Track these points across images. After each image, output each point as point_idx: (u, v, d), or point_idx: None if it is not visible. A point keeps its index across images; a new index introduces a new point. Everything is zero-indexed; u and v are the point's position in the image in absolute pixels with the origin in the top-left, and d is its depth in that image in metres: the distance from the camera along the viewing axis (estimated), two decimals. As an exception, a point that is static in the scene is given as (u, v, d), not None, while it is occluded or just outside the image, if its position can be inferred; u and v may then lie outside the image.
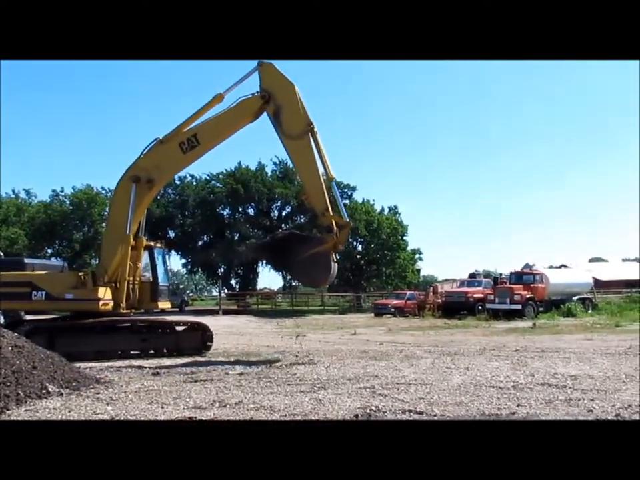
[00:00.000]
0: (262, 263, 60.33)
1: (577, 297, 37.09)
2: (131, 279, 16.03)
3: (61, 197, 59.27)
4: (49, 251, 58.48)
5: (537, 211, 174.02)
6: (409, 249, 59.06)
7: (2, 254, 24.16)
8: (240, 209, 58.63)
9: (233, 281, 64.83)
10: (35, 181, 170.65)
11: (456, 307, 37.71)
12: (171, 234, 57.77)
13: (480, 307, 36.35)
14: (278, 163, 57.77)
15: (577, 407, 7.95)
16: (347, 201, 53.94)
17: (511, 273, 38.34)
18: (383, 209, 57.89)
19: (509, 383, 10.02)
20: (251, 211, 58.90)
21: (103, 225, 52.27)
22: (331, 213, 14.53)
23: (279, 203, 58.87)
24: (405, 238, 57.56)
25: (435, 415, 7.60)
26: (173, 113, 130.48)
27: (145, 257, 16.71)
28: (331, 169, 14.95)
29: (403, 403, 8.37)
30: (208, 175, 57.98)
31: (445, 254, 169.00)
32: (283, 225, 57.41)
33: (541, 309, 34.36)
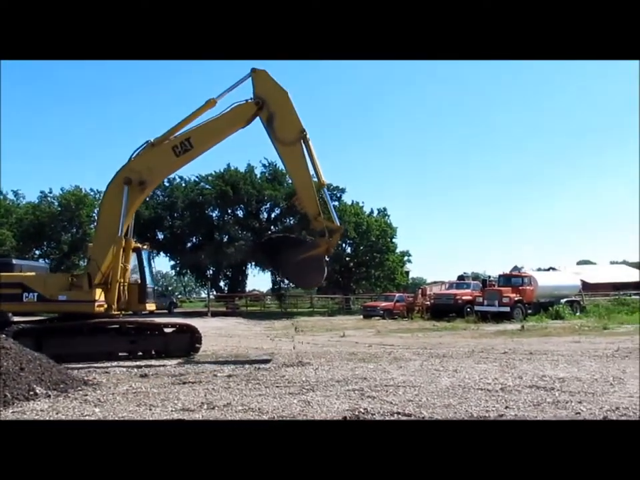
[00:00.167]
0: (251, 265, 60.48)
1: (565, 300, 37.24)
2: (122, 280, 16.00)
3: (49, 198, 58.85)
4: (37, 252, 58.08)
5: (526, 214, 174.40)
6: (397, 251, 59.22)
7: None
8: (229, 211, 58.61)
9: (221, 283, 64.77)
10: (23, 182, 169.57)
11: (444, 309, 37.82)
12: (160, 235, 57.66)
13: (468, 309, 36.44)
14: (267, 164, 57.91)
15: (564, 410, 7.99)
16: (336, 203, 53.90)
17: (500, 276, 38.49)
18: (372, 211, 58.08)
19: (497, 386, 10.06)
20: (240, 213, 58.78)
21: (92, 226, 52.37)
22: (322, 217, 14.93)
23: (268, 205, 58.80)
24: (394, 240, 57.74)
25: (423, 417, 7.62)
26: (164, 114, 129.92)
27: (132, 259, 16.66)
28: (322, 175, 15.53)
29: (391, 405, 8.38)
30: (197, 177, 58.02)
31: (434, 256, 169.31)
32: (272, 227, 57.46)
33: (529, 311, 34.52)
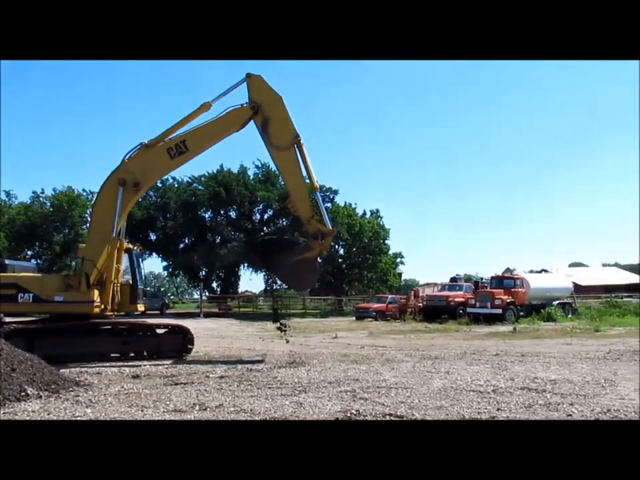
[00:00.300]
0: (244, 266, 60.38)
1: (557, 302, 37.33)
2: (116, 281, 15.99)
3: (41, 199, 58.58)
4: (29, 252, 57.85)
5: (519, 216, 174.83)
6: (390, 252, 59.30)
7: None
8: (222, 212, 58.47)
9: (214, 284, 64.73)
10: (15, 182, 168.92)
11: (437, 311, 37.89)
12: (152, 236, 57.54)
13: (461, 311, 36.51)
14: (260, 166, 57.80)
15: (556, 412, 8.00)
16: (329, 204, 54.05)
17: (492, 278, 38.54)
18: (365, 213, 58.16)
19: (489, 387, 10.07)
20: (232, 214, 58.61)
21: (84, 227, 52.20)
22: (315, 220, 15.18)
23: (260, 206, 58.64)
24: (386, 242, 57.83)
25: (415, 419, 7.62)
26: (155, 115, 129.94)
27: (124, 260, 16.63)
28: (315, 180, 15.88)
29: (383, 407, 8.38)
30: (190, 178, 57.82)
31: (427, 258, 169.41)
32: (264, 228, 57.38)
33: (521, 313, 34.60)
